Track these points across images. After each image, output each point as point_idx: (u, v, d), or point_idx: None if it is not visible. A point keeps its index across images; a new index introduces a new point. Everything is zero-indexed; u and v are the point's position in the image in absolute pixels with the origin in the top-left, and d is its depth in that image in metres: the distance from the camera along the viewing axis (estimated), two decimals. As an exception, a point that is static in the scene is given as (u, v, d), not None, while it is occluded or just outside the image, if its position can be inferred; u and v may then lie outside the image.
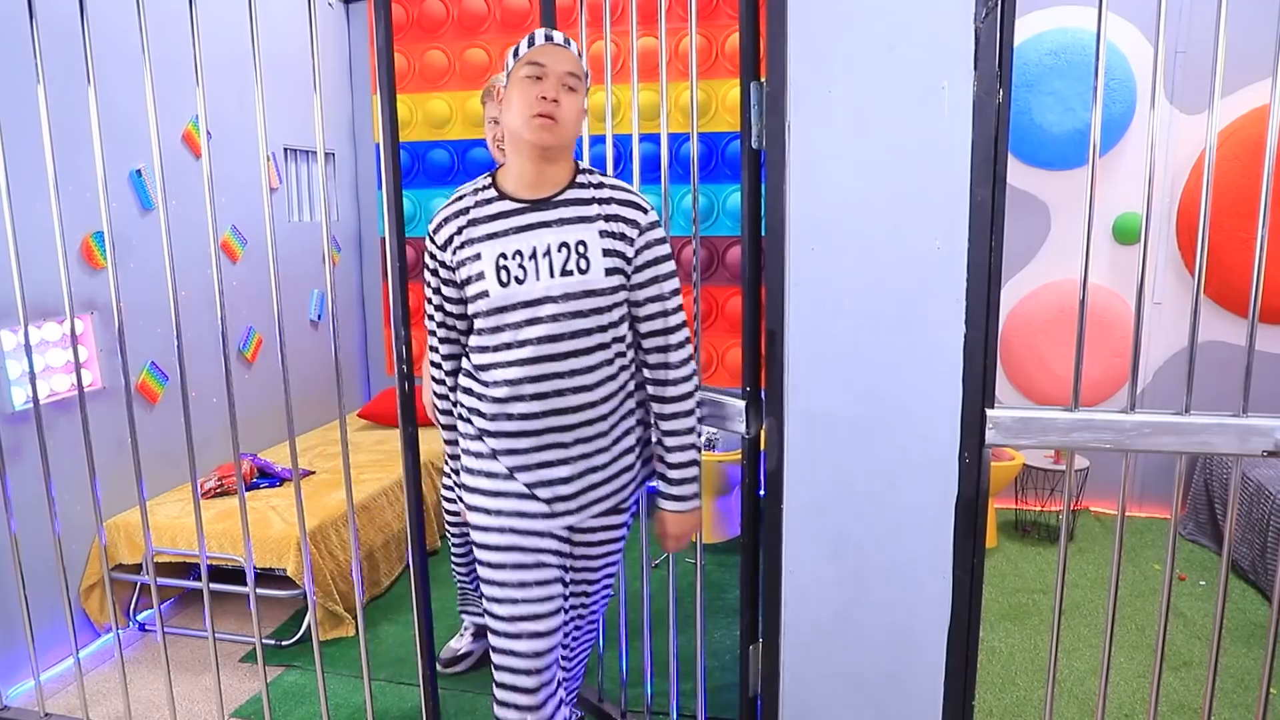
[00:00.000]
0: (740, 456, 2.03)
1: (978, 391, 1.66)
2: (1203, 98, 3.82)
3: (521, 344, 1.73)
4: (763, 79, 1.70)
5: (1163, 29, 1.55)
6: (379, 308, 4.86)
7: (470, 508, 1.86)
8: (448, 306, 1.87)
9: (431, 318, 1.92)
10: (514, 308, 1.73)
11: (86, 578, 3.05)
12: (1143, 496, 4.21)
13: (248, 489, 3.40)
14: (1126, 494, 1.72)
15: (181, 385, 2.13)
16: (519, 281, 1.72)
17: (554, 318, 1.72)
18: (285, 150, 4.21)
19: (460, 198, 1.82)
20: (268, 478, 3.52)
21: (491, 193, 1.79)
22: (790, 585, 1.78)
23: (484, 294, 1.74)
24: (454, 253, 1.79)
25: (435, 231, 1.82)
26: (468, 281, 1.77)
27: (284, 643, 3.08)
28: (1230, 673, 2.85)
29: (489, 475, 1.82)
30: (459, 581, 2.89)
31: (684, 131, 4.11)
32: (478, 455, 1.84)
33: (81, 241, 3.00)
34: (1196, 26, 3.83)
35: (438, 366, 1.95)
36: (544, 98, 1.67)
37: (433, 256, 1.84)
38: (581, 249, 1.73)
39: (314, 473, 3.62)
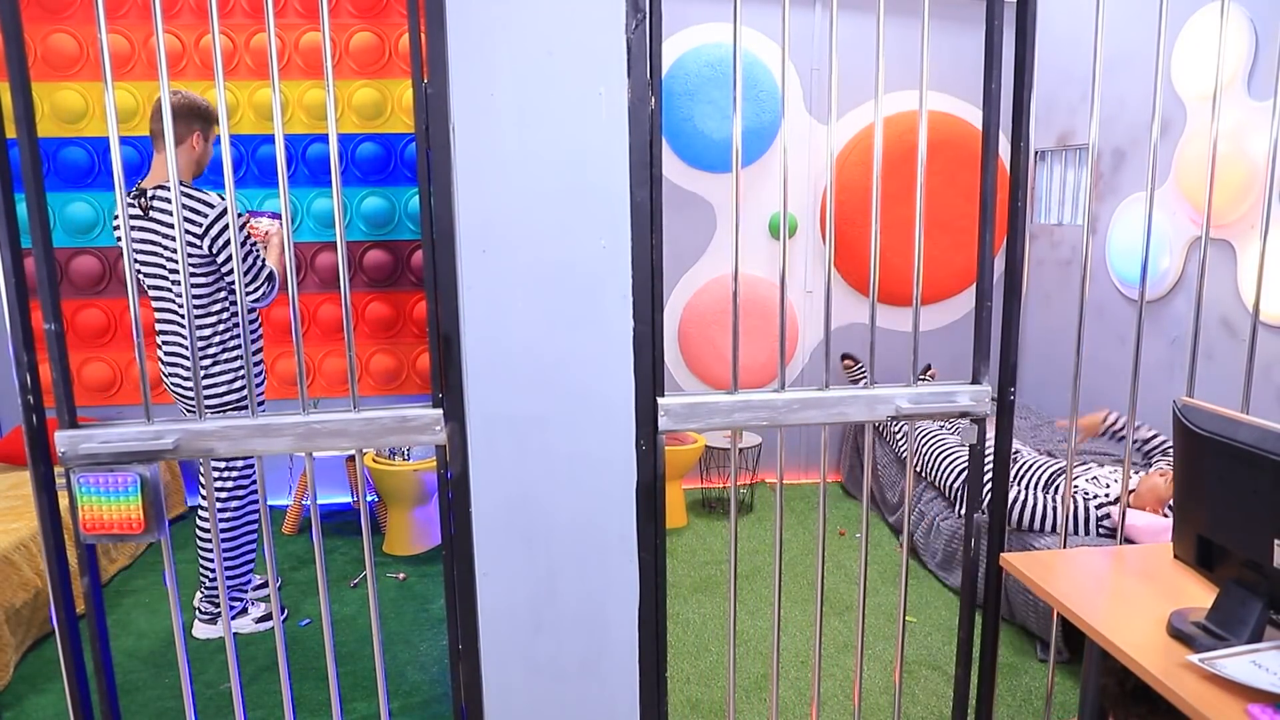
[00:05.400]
0: (436, 465, 1.99)
1: (649, 382, 1.76)
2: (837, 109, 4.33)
3: None
4: (425, 80, 1.67)
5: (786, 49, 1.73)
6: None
7: None
8: None
9: None
10: None
11: None
12: (808, 464, 4.71)
13: None
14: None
15: None
16: None
17: None
18: None
19: None
20: None
21: None
22: (485, 589, 1.78)
23: None
24: None
25: None
26: None
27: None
28: (883, 610, 3.26)
29: None
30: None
31: (359, 132, 3.96)
32: None
33: None
34: (828, 47, 4.33)
35: None
36: None
37: None
38: None
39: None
